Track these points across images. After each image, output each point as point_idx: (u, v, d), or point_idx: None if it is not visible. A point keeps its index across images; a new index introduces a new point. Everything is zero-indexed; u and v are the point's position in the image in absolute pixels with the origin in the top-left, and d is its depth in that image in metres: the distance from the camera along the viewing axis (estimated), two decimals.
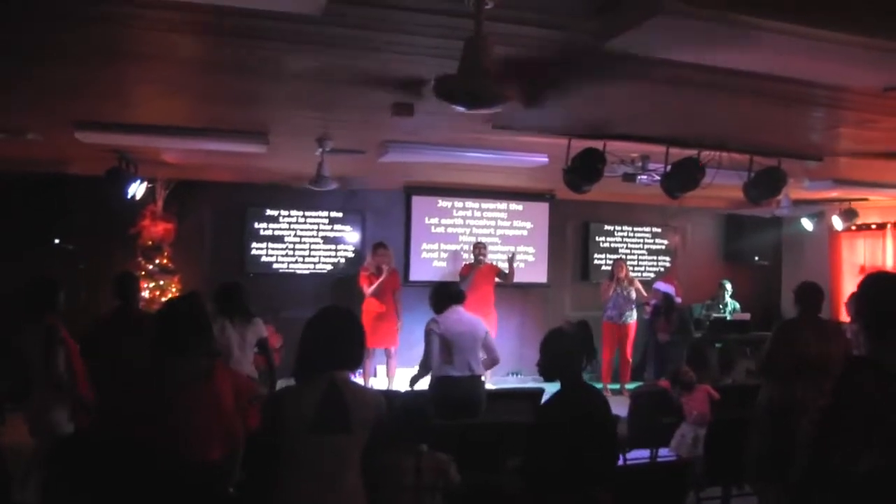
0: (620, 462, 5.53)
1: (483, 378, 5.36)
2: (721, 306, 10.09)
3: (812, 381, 4.27)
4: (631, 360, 9.48)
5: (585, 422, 3.21)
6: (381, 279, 8.30)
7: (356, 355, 2.90)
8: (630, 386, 9.22)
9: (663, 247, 10.99)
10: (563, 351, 3.35)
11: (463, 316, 5.25)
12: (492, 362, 5.42)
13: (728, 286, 10.17)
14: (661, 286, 9.26)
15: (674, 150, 5.55)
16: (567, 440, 3.14)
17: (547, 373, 3.38)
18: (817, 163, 6.20)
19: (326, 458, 2.73)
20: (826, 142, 5.63)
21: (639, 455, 5.72)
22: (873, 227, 9.88)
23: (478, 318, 5.40)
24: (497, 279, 8.99)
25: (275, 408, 2.78)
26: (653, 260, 10.92)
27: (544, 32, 3.20)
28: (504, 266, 9.09)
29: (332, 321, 2.90)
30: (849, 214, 9.28)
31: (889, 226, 9.69)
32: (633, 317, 9.38)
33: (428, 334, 5.19)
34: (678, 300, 9.17)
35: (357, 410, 2.77)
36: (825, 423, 2.54)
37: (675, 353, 8.73)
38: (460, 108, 3.01)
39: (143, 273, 8.24)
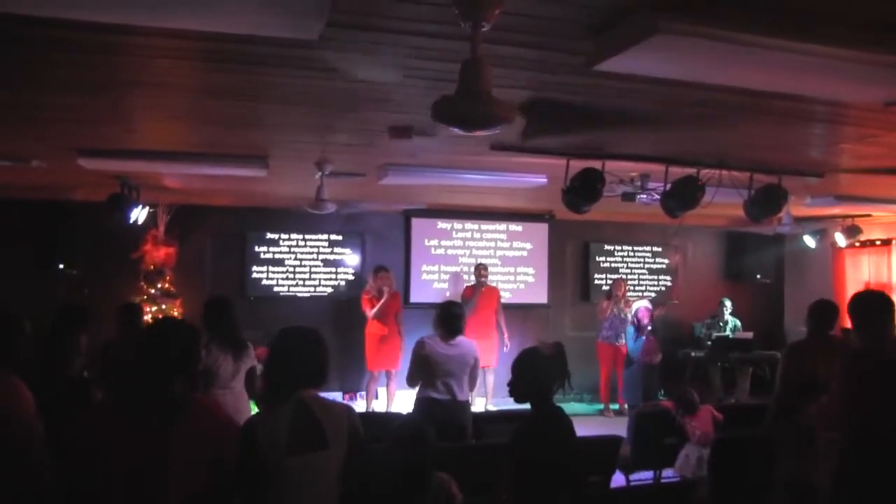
0: (624, 484, 5.49)
1: (466, 402, 5.24)
2: (721, 324, 10.04)
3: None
4: (624, 383, 9.26)
5: (560, 447, 3.16)
6: (381, 302, 8.29)
7: (321, 373, 2.86)
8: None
9: (664, 266, 10.96)
10: (538, 373, 3.25)
11: (457, 339, 5.21)
12: (471, 384, 5.30)
13: (728, 304, 10.12)
14: (645, 306, 9.09)
15: (673, 169, 5.54)
16: (545, 467, 3.09)
17: (518, 394, 3.27)
18: (818, 179, 6.17)
19: (309, 478, 2.71)
20: (827, 158, 5.60)
21: (642, 476, 5.65)
22: (878, 243, 9.75)
23: (471, 344, 5.30)
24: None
25: (248, 437, 2.72)
26: (654, 279, 10.89)
27: (540, 54, 3.21)
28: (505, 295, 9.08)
29: (291, 341, 2.88)
30: (852, 231, 9.23)
31: (894, 241, 9.56)
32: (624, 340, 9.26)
33: (413, 353, 5.18)
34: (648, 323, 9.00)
35: (330, 424, 2.76)
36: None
37: (651, 375, 8.58)
38: (458, 131, 3.00)
39: (145, 297, 8.25)
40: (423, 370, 5.09)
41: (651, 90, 3.69)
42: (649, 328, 8.57)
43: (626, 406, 9.07)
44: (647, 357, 8.51)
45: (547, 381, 3.26)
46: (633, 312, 8.78)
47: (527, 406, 3.27)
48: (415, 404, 5.19)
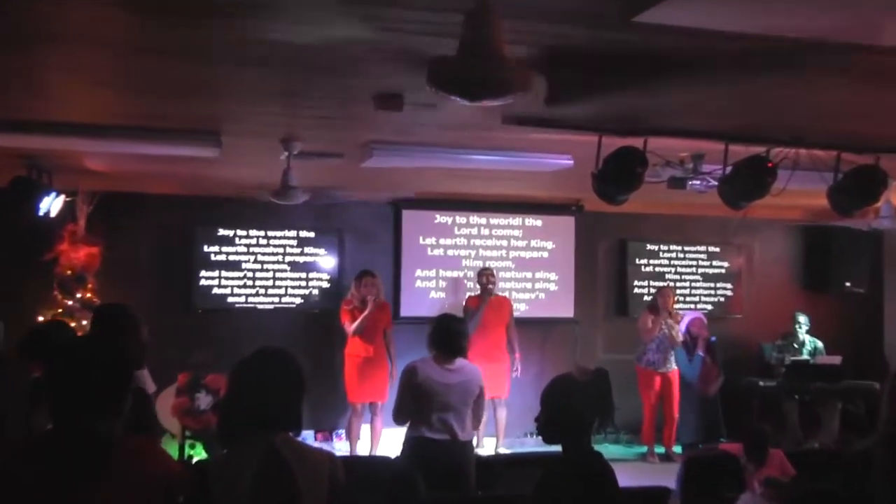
0: None
1: (469, 442, 5.31)
2: (796, 346, 10.04)
3: None
4: (678, 416, 9.28)
5: (595, 499, 3.18)
6: (365, 314, 8.31)
7: (295, 411, 2.87)
8: (677, 449, 9.15)
9: (723, 271, 10.96)
10: (572, 406, 3.30)
11: (457, 363, 5.23)
12: (476, 421, 5.37)
13: (802, 320, 10.11)
14: (698, 315, 9.00)
15: (735, 148, 5.56)
16: None
17: (548, 433, 3.33)
18: None
19: None
20: None
21: None
22: None
23: (475, 369, 5.34)
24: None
25: (199, 486, 2.70)
26: (710, 288, 10.89)
27: (566, 2, 3.22)
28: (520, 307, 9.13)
29: (262, 369, 2.88)
30: None
31: None
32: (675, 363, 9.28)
33: (401, 382, 5.23)
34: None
35: (305, 477, 2.75)
36: None
37: (713, 408, 8.53)
38: (461, 100, 3.02)
39: (60, 311, 8.23)
40: (416, 403, 5.12)
41: (704, 46, 3.70)
42: (706, 343, 8.52)
43: (674, 450, 9.11)
44: (704, 384, 8.44)
45: (583, 416, 3.29)
46: (683, 326, 8.76)
47: (555, 448, 3.29)
48: (404, 445, 5.21)
